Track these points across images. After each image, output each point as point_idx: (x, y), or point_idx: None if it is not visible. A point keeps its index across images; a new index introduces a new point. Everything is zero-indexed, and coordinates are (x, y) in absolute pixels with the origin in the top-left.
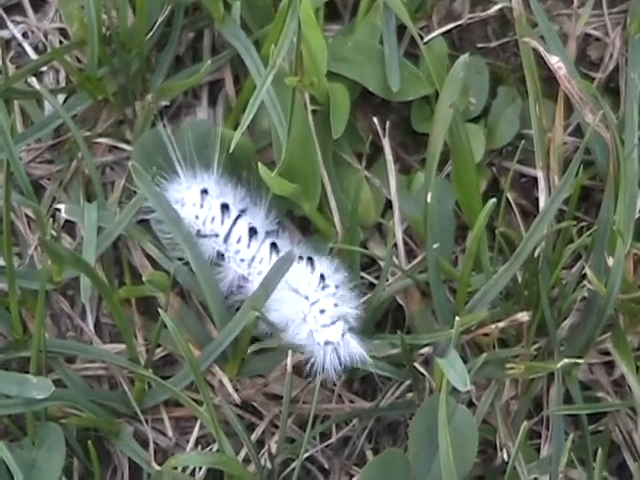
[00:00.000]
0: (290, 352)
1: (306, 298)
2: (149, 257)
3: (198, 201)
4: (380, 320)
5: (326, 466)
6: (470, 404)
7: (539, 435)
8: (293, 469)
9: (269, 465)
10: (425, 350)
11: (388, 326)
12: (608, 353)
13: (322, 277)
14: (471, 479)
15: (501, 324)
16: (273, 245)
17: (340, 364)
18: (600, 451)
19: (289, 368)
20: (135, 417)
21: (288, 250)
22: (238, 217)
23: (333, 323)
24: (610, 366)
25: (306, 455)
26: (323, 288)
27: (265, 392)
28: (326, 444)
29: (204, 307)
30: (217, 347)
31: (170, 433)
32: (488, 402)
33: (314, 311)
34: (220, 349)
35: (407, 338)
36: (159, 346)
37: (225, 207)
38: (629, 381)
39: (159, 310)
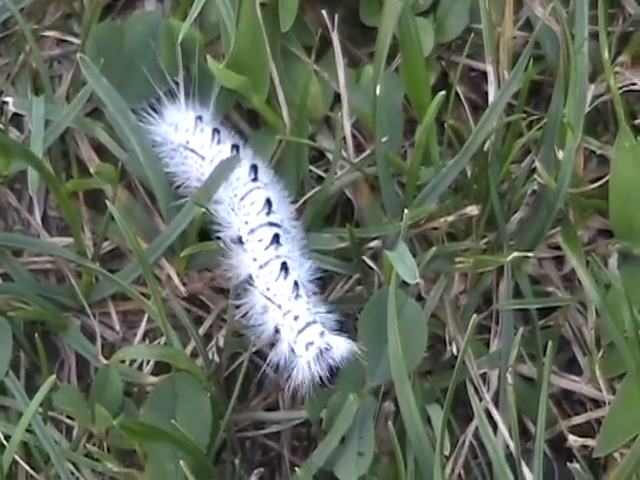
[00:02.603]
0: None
1: (279, 307)
2: (97, 150)
3: (192, 127)
4: (329, 214)
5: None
6: (419, 298)
7: (488, 330)
8: (241, 363)
9: (217, 359)
10: (374, 244)
11: (337, 220)
12: (558, 248)
13: (296, 284)
14: (420, 374)
15: (450, 218)
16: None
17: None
18: (550, 346)
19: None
20: (82, 311)
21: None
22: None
23: (308, 325)
24: (560, 261)
25: (254, 349)
26: (297, 297)
27: (212, 286)
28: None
29: (152, 200)
30: (165, 240)
31: (117, 327)
32: (437, 296)
33: (288, 320)
34: (168, 242)
35: (356, 231)
36: (106, 239)
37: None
38: (579, 275)
39: (107, 203)
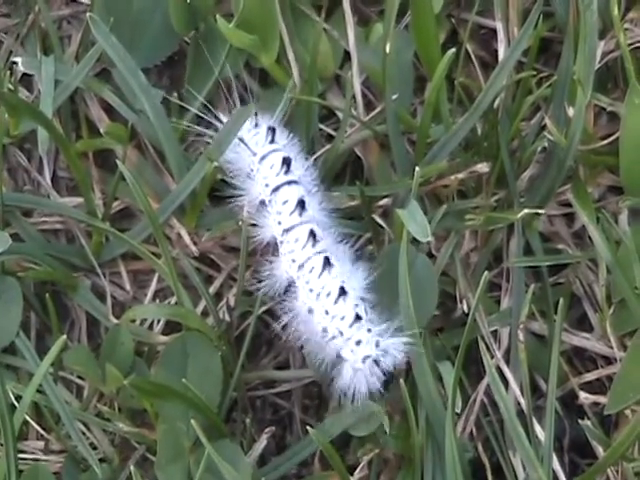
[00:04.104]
0: (246, 204)
1: (340, 334)
2: (107, 110)
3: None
4: (339, 172)
5: (283, 319)
6: (430, 256)
7: (499, 287)
8: (251, 322)
9: (227, 318)
10: (384, 202)
11: (347, 178)
12: (568, 205)
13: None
14: (431, 332)
15: (460, 175)
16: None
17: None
18: (561, 303)
19: (245, 220)
20: (93, 271)
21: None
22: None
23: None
24: (570, 218)
25: (264, 308)
26: (359, 328)
27: (223, 245)
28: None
29: (162, 160)
30: (175, 199)
31: (128, 286)
32: (447, 254)
33: (350, 345)
34: (178, 201)
35: (366, 190)
36: (116, 199)
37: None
38: (590, 232)
39: (117, 162)
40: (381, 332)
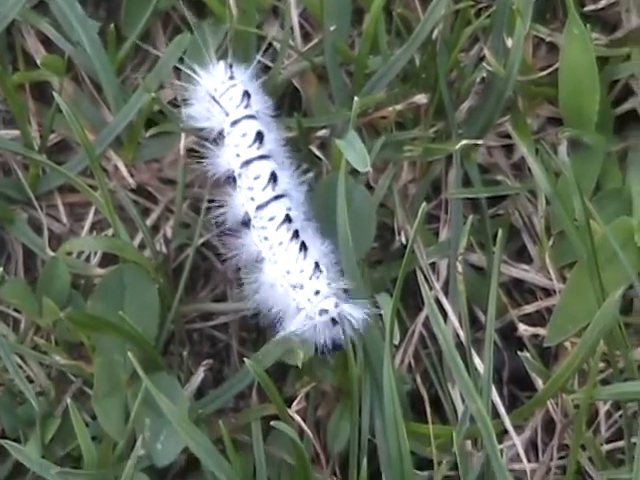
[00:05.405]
0: (183, 135)
1: (300, 287)
2: (44, 42)
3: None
4: (277, 104)
5: (222, 251)
6: (368, 188)
7: (438, 219)
8: (188, 254)
9: (164, 250)
10: (322, 133)
11: (285, 110)
12: (507, 136)
13: (317, 265)
14: (369, 264)
15: (399, 106)
16: None
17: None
18: (500, 234)
19: (182, 152)
20: (29, 203)
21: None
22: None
23: (326, 298)
24: (509, 149)
25: (202, 240)
26: (318, 277)
27: (160, 177)
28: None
29: (99, 92)
30: (112, 131)
31: (64, 219)
32: (386, 185)
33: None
34: (115, 133)
35: (304, 121)
36: (53, 131)
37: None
38: (529, 163)
39: (54, 94)
40: (339, 293)
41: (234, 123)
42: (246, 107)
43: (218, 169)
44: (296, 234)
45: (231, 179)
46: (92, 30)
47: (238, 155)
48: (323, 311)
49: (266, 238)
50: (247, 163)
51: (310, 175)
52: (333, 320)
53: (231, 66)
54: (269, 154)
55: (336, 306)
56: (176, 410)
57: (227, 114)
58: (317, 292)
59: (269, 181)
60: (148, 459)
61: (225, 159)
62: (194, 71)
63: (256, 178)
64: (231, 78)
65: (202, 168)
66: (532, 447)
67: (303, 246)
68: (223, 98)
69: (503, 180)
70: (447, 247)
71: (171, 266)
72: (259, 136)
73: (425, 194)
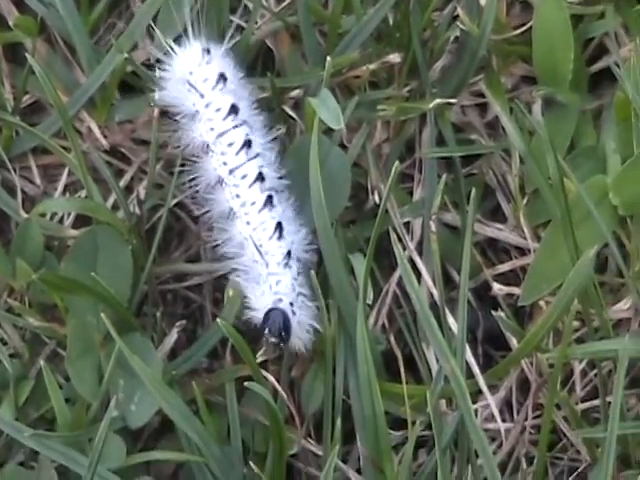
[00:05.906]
0: (156, 96)
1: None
2: (16, 4)
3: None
4: (250, 64)
5: (196, 213)
6: (341, 147)
7: (411, 178)
8: (162, 215)
9: (138, 211)
10: (295, 93)
11: (258, 70)
12: (481, 95)
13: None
14: (343, 224)
15: (372, 65)
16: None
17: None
18: (474, 193)
19: (156, 114)
20: (3, 165)
21: None
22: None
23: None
24: (483, 108)
25: (175, 201)
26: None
27: (133, 138)
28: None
29: (72, 53)
30: (85, 92)
31: (38, 181)
32: (359, 144)
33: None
34: (88, 94)
35: (277, 81)
36: (26, 93)
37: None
38: (503, 122)
39: (26, 55)
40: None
41: (209, 104)
42: (222, 90)
43: (192, 142)
44: (270, 199)
45: (205, 145)
46: None
47: (212, 129)
48: (278, 301)
49: (238, 196)
50: (221, 135)
51: (282, 130)
52: (283, 314)
53: (208, 51)
54: (242, 122)
55: (291, 305)
56: (150, 371)
57: (202, 96)
58: (278, 282)
59: (243, 147)
60: (122, 420)
61: (199, 132)
62: (171, 48)
63: (230, 145)
64: (208, 63)
65: (175, 138)
66: (507, 407)
67: (279, 226)
68: (198, 81)
69: (477, 139)
70: (421, 206)
71: (144, 227)
72: (233, 109)
73: (399, 153)
